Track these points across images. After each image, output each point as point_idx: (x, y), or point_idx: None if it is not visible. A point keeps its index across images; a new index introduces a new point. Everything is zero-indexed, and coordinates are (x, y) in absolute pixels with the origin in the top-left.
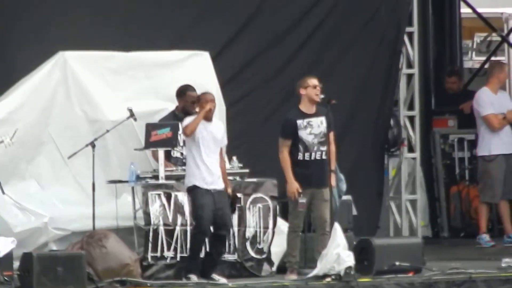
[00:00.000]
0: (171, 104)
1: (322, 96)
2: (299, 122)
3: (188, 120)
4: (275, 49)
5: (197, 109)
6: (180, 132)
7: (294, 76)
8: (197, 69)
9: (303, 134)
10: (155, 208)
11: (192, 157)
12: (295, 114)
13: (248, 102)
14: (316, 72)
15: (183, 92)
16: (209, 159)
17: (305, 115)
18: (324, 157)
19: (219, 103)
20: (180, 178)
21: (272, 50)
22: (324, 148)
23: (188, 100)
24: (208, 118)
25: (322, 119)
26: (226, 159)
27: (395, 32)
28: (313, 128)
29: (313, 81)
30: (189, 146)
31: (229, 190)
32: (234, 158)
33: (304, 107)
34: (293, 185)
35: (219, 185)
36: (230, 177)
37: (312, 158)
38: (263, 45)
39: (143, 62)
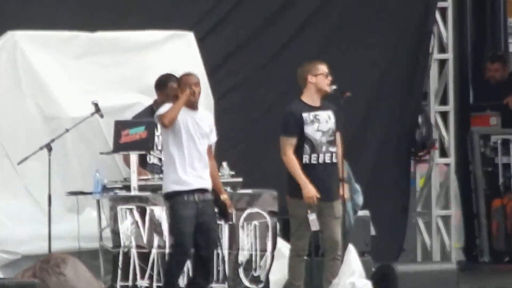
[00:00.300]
0: (147, 98)
1: (334, 87)
2: (304, 115)
3: (166, 107)
4: (272, 30)
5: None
6: (158, 133)
7: (296, 62)
8: (180, 53)
9: (310, 130)
10: (125, 226)
11: (171, 155)
12: (298, 106)
13: (241, 94)
14: (322, 58)
15: (164, 83)
16: (193, 157)
17: (310, 108)
18: (334, 160)
19: (206, 95)
20: (157, 189)
21: (269, 32)
22: (333, 149)
23: (170, 93)
24: (191, 105)
25: (330, 113)
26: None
27: (423, 8)
28: (321, 124)
29: (325, 68)
30: (167, 141)
31: (224, 197)
32: (224, 164)
33: (309, 98)
34: (310, 189)
35: (206, 192)
36: None
37: (321, 160)
38: (258, 26)
39: (113, 44)
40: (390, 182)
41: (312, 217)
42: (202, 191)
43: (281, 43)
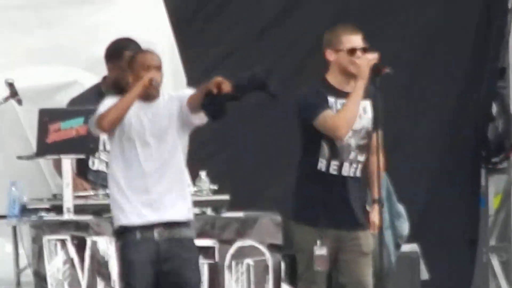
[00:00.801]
0: (90, 75)
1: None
2: (330, 101)
3: (107, 103)
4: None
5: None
6: None
7: (300, 35)
8: (139, 11)
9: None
10: (55, 266)
11: (114, 174)
12: (320, 88)
13: (226, 73)
14: (348, 21)
15: (118, 51)
16: (145, 176)
17: (337, 92)
18: (359, 174)
19: (175, 71)
20: (103, 210)
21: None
22: (362, 158)
23: (126, 67)
24: (148, 96)
25: (366, 104)
26: (187, 173)
27: None
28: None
29: (352, 39)
30: (113, 150)
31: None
32: (203, 174)
33: (334, 79)
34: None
35: (175, 227)
36: (196, 209)
37: (344, 172)
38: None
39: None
40: (450, 202)
41: (321, 251)
42: (168, 225)
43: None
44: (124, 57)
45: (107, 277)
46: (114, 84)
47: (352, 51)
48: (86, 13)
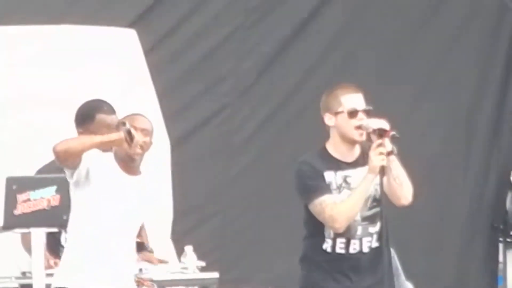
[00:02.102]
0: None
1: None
2: (328, 176)
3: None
4: (258, 26)
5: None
6: None
7: (300, 79)
8: (119, 54)
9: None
10: None
11: (79, 220)
12: (318, 161)
13: (214, 136)
14: (348, 74)
15: (89, 114)
16: (121, 236)
17: (338, 165)
18: (375, 244)
19: (159, 136)
20: None
21: (252, 27)
22: (375, 229)
23: (98, 131)
24: (129, 165)
25: None
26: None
27: None
28: (354, 189)
29: (351, 99)
30: (77, 197)
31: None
32: (188, 249)
33: (335, 149)
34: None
35: None
36: None
37: (353, 250)
38: (235, 19)
39: (29, 42)
40: (464, 279)
41: None
42: None
43: (274, 51)
44: (95, 120)
45: None
46: None
47: (353, 113)
48: (61, 64)
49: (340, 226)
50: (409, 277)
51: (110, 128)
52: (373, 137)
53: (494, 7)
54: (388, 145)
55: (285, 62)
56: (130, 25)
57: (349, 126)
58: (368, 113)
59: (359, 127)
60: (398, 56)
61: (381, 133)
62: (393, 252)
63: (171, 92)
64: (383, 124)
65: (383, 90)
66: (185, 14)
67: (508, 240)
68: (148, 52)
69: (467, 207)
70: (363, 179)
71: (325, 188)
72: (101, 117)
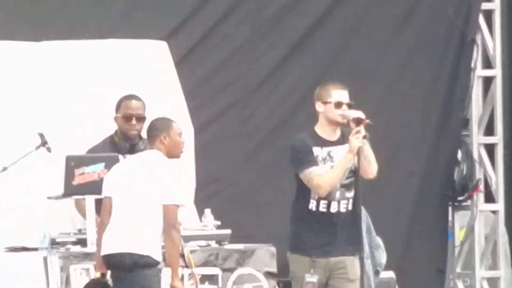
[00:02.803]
0: (112, 125)
1: (368, 121)
2: (315, 151)
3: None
4: (267, 41)
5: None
6: None
7: (298, 80)
8: (151, 67)
9: (321, 170)
10: None
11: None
12: (308, 139)
13: (227, 123)
14: (334, 74)
15: (119, 104)
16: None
17: (323, 142)
18: (350, 207)
19: (183, 122)
20: None
21: (262, 43)
22: (351, 194)
23: (122, 114)
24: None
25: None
26: (182, 222)
27: (464, 11)
28: (335, 163)
29: (340, 95)
30: None
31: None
32: (207, 211)
33: (322, 130)
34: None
35: None
36: (202, 242)
37: (333, 209)
38: (247, 37)
39: (63, 56)
40: (422, 235)
41: (311, 279)
42: None
43: (280, 57)
44: (121, 108)
45: None
46: (120, 134)
47: (338, 105)
48: (104, 70)
49: (324, 192)
50: (376, 233)
51: (131, 109)
52: (352, 124)
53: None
54: (363, 131)
55: (285, 68)
56: (162, 38)
57: (334, 114)
58: (350, 106)
59: (341, 115)
60: (372, 56)
61: (358, 121)
62: (366, 212)
63: (194, 90)
64: (360, 114)
65: (361, 85)
66: (206, 28)
67: (456, 204)
68: (177, 61)
69: (422, 179)
70: (343, 157)
71: (313, 161)
72: (125, 103)
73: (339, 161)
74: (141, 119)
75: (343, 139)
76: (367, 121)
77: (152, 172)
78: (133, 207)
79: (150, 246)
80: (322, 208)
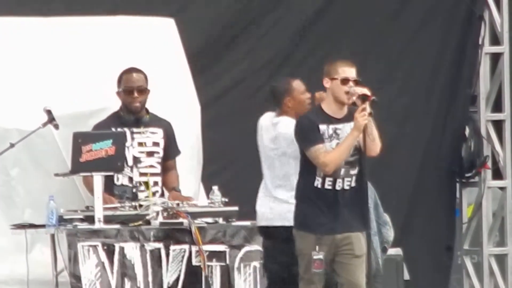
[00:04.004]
0: (118, 101)
1: (374, 98)
2: (322, 128)
3: None
4: (273, 18)
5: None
6: (126, 144)
7: (303, 58)
8: (158, 44)
9: (327, 147)
10: (88, 269)
11: None
12: (315, 116)
13: (234, 99)
14: (340, 51)
15: (120, 77)
16: None
17: (329, 119)
18: (354, 184)
19: (190, 99)
20: (129, 220)
21: (268, 20)
22: (355, 171)
23: (123, 88)
24: None
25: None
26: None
27: None
28: (341, 140)
29: (347, 71)
30: None
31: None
32: (215, 188)
33: (329, 107)
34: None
35: None
36: (209, 219)
37: (338, 186)
38: (254, 15)
39: (72, 32)
40: (429, 212)
41: (318, 255)
42: None
43: (289, 34)
44: (122, 81)
45: (133, 279)
46: (124, 107)
47: (345, 81)
48: (111, 46)
49: (330, 170)
50: (384, 210)
51: (132, 82)
52: (358, 101)
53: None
54: (368, 108)
55: (291, 45)
56: (170, 15)
57: (340, 90)
58: (357, 83)
59: (347, 92)
60: (379, 32)
61: (364, 98)
62: (373, 189)
63: (202, 69)
64: (366, 91)
65: (366, 61)
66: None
67: (463, 180)
68: (185, 39)
69: (430, 156)
70: (349, 134)
71: (319, 138)
72: (125, 76)
73: (345, 139)
74: (142, 91)
75: (350, 117)
76: (373, 97)
77: None
78: None
79: None
80: (328, 185)
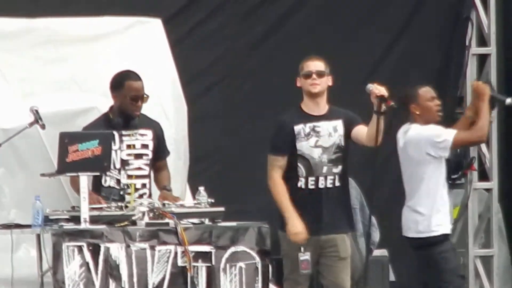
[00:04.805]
0: (107, 101)
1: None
2: (297, 128)
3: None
4: (258, 16)
5: None
6: (115, 147)
7: (289, 55)
8: (145, 44)
9: (305, 146)
10: (72, 269)
11: None
12: (291, 116)
13: (220, 98)
14: (325, 47)
15: (120, 82)
16: None
17: (307, 117)
18: (338, 183)
19: (176, 98)
20: (115, 221)
21: (253, 18)
22: (337, 170)
23: (127, 95)
24: None
25: (337, 124)
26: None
27: None
28: (322, 138)
29: (309, 64)
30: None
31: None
32: (201, 189)
33: (306, 105)
34: (296, 225)
35: None
36: (195, 220)
37: (321, 185)
38: (241, 12)
39: (58, 33)
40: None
41: (304, 257)
42: None
43: (270, 30)
44: (124, 87)
45: (118, 279)
46: (118, 111)
47: (307, 75)
48: (97, 47)
49: (269, 185)
50: (372, 211)
51: (137, 91)
52: (375, 100)
53: None
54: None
55: (266, 47)
56: (157, 15)
57: (306, 84)
58: (321, 75)
59: (311, 84)
60: (364, 32)
61: (382, 100)
62: (360, 191)
63: (187, 67)
64: (384, 91)
65: (351, 59)
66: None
67: (450, 182)
68: (171, 39)
69: None
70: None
71: (282, 149)
72: (129, 83)
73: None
74: (144, 98)
75: (330, 115)
76: (392, 103)
77: None
78: None
79: None
80: (311, 185)
